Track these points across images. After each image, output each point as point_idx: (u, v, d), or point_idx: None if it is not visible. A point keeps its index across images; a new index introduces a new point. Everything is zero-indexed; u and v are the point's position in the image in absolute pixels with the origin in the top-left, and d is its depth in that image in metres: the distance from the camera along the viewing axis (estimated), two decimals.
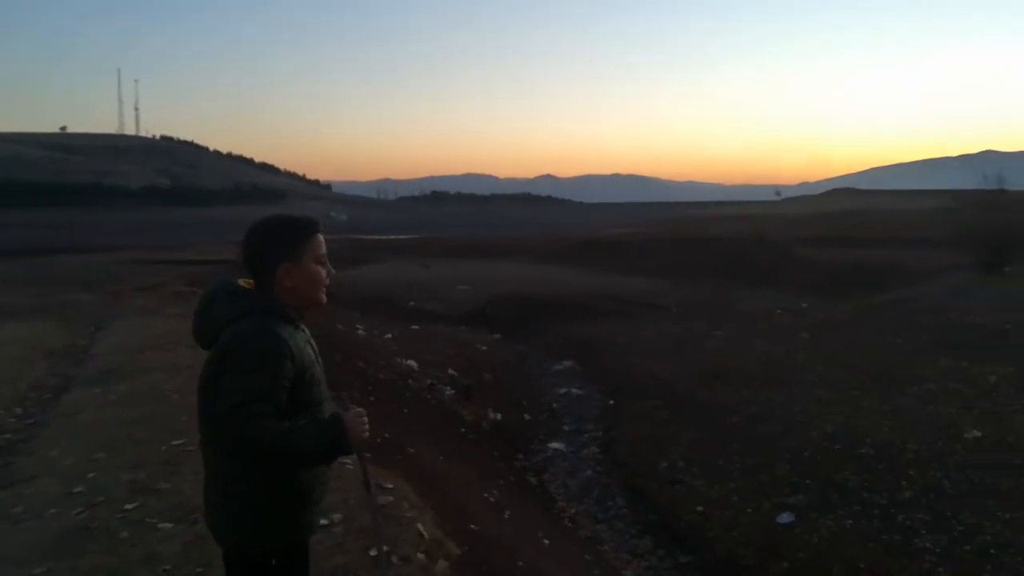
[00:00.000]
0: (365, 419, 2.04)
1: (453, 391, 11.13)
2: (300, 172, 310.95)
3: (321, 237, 2.11)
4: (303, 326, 2.13)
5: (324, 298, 2.13)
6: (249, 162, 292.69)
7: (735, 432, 9.87)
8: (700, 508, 7.81)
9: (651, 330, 18.32)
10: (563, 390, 13.49)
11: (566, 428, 11.33)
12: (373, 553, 3.68)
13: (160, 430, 5.47)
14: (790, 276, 26.16)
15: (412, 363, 11.82)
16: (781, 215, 54.25)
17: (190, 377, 7.10)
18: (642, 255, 34.46)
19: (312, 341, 2.16)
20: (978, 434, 8.00)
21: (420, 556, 3.78)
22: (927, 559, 6.10)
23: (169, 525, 3.52)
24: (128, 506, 4.11)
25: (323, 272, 2.09)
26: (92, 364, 8.77)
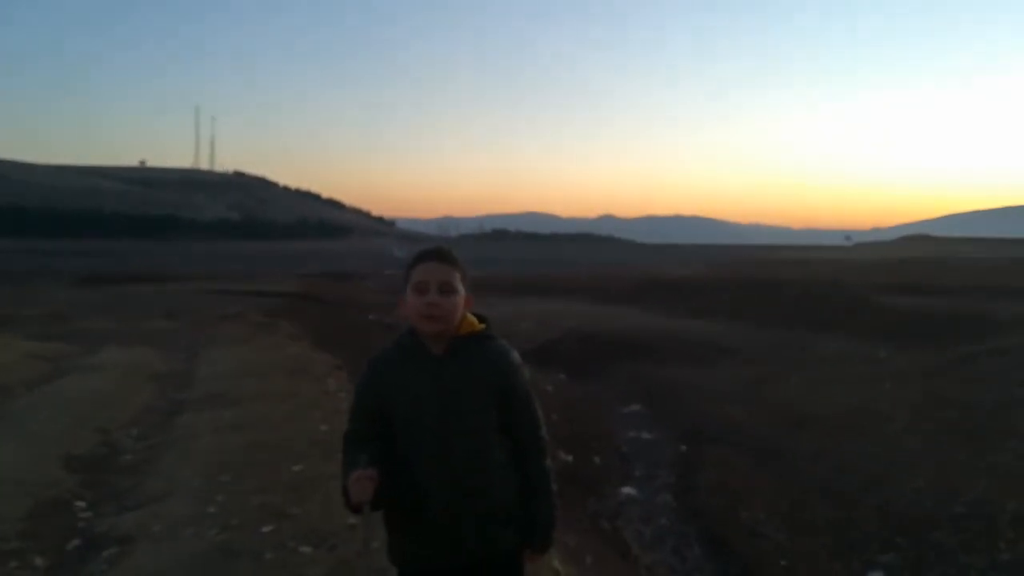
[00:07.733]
0: (368, 482, 1.88)
1: None
2: (365, 208, 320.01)
3: (425, 266, 2.05)
4: (440, 355, 2.07)
5: (425, 325, 2.04)
6: (316, 197, 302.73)
7: (818, 483, 9.66)
8: (784, 563, 7.68)
9: (722, 373, 18.04)
10: (633, 434, 13.38)
11: (637, 473, 11.23)
12: None
13: (277, 456, 5.73)
14: (866, 323, 25.37)
15: None
16: (853, 260, 52.70)
17: (295, 405, 7.45)
18: (708, 297, 34.00)
19: (449, 374, 2.06)
20: None
21: None
22: None
23: (308, 549, 3.72)
24: (264, 528, 4.30)
25: (418, 300, 2.01)
26: (196, 389, 9.21)
